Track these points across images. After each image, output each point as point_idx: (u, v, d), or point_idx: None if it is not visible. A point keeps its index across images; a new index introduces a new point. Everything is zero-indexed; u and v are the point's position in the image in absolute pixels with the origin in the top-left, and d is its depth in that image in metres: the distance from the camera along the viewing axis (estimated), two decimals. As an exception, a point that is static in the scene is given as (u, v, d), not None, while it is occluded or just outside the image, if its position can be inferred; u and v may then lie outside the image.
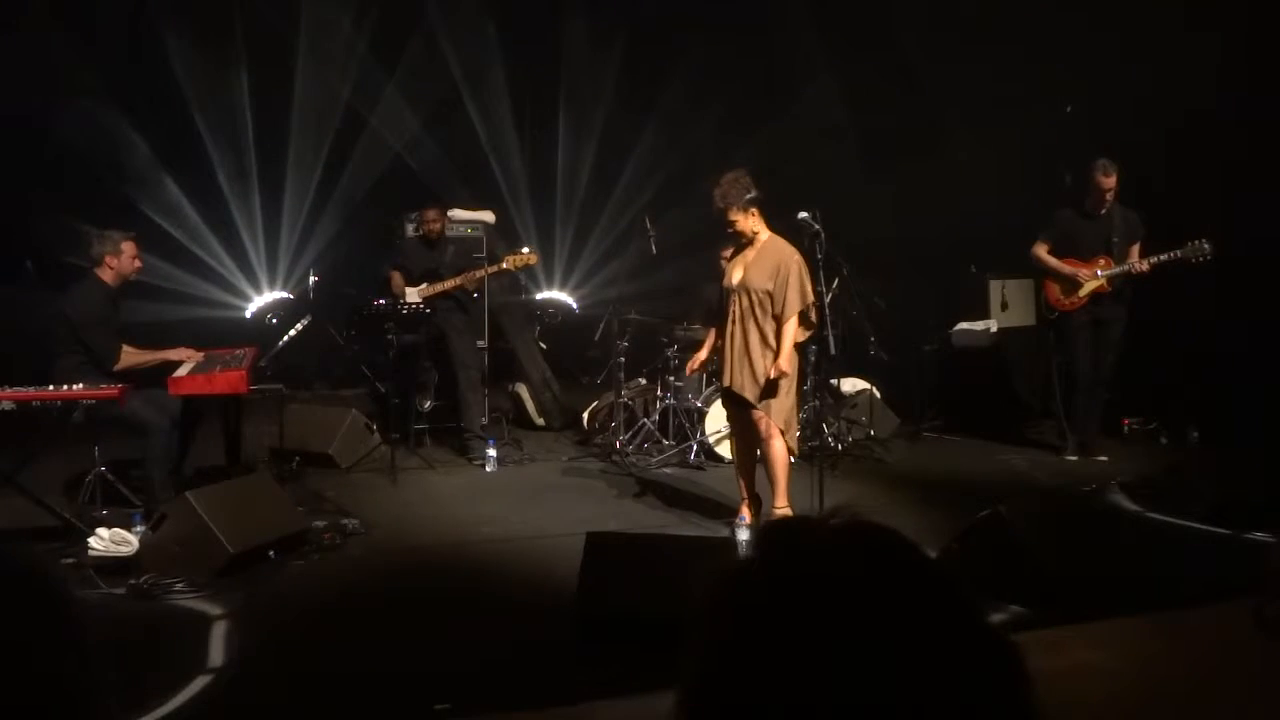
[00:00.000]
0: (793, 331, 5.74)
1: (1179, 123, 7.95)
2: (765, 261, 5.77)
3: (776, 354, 5.73)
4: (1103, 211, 7.54)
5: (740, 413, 5.94)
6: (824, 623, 0.82)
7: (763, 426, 5.78)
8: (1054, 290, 7.78)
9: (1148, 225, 7.56)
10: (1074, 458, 7.71)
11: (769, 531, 0.93)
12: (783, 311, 5.72)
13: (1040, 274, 8.01)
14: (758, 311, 5.74)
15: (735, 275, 5.86)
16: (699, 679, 0.86)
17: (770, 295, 5.72)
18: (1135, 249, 7.53)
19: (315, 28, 11.26)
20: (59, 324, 6.16)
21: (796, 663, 0.81)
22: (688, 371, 6.45)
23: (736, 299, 5.81)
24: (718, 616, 0.87)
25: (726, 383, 5.88)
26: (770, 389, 5.73)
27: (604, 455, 8.05)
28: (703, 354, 6.22)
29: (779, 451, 5.81)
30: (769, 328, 5.74)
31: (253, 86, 11.22)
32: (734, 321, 5.81)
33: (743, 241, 5.87)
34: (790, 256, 5.75)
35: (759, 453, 5.98)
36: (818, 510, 5.55)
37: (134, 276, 6.50)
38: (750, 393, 5.75)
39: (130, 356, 6.33)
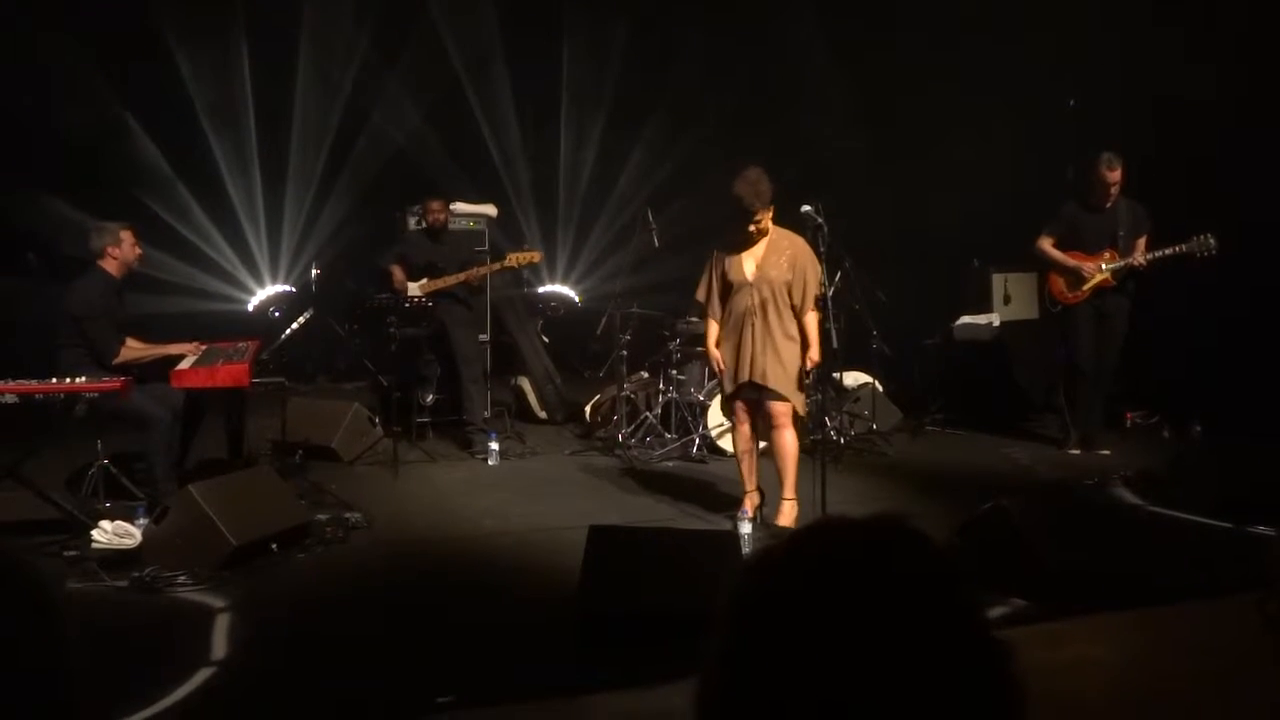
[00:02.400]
0: (815, 320, 5.80)
1: (1183, 116, 7.94)
2: (779, 253, 5.77)
3: (803, 343, 5.78)
4: (1108, 205, 7.52)
5: (758, 404, 5.89)
6: (832, 617, 0.84)
7: (783, 417, 5.79)
8: (1058, 283, 7.77)
9: (1154, 218, 7.54)
10: (1076, 451, 7.71)
11: (806, 532, 0.94)
12: (803, 301, 5.76)
13: (1044, 267, 8.00)
14: (779, 302, 5.75)
15: (748, 268, 5.82)
16: (722, 671, 0.87)
17: (789, 286, 5.74)
18: (1141, 243, 7.52)
19: (317, 21, 11.25)
20: (62, 317, 6.16)
21: (804, 654, 0.82)
22: (720, 371, 6.17)
23: (754, 292, 5.77)
24: (737, 604, 0.89)
25: (746, 376, 5.79)
26: (794, 379, 5.76)
27: (606, 449, 8.05)
28: (717, 351, 6.00)
29: (793, 442, 5.84)
30: (789, 317, 5.76)
31: (255, 80, 11.22)
32: (753, 314, 5.76)
33: (753, 236, 5.84)
34: (803, 246, 5.80)
35: (763, 444, 6.00)
36: (818, 504, 5.59)
37: (136, 265, 6.50)
38: (778, 383, 5.73)
39: (132, 350, 6.33)
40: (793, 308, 5.77)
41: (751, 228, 5.76)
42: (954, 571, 0.89)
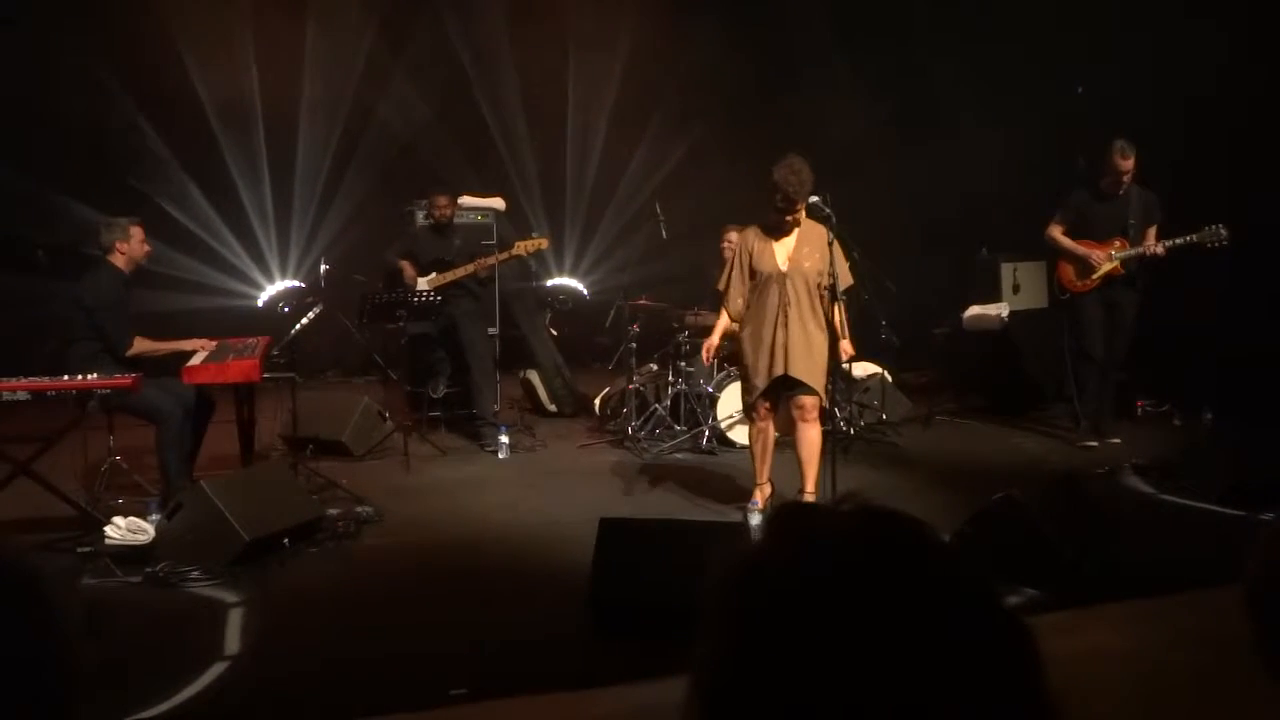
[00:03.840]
0: (842, 311, 5.79)
1: (1195, 101, 7.90)
2: (811, 244, 5.67)
3: (834, 336, 5.74)
4: (1120, 193, 7.46)
5: (788, 398, 5.81)
6: (834, 612, 0.81)
7: (813, 411, 5.74)
8: (1068, 271, 7.71)
9: (1165, 208, 7.49)
10: (1087, 440, 7.66)
11: (780, 517, 0.92)
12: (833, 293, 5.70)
13: (1053, 255, 7.95)
14: (811, 294, 5.67)
15: (780, 259, 5.73)
16: (711, 667, 0.85)
17: (821, 277, 5.64)
18: (1152, 232, 7.46)
19: (324, 15, 11.24)
20: (73, 311, 6.20)
21: (807, 652, 0.80)
22: (705, 360, 6.26)
23: (787, 283, 5.68)
24: (728, 604, 0.86)
25: (781, 370, 5.68)
26: (824, 372, 5.69)
27: (616, 441, 8.06)
28: (715, 339, 6.04)
29: (819, 437, 5.78)
30: (819, 309, 5.67)
31: (262, 74, 11.21)
32: (786, 306, 5.66)
33: (788, 225, 5.74)
34: (830, 238, 5.73)
35: (774, 436, 5.99)
36: (830, 496, 5.58)
37: (144, 261, 6.53)
38: (811, 377, 5.65)
39: (143, 344, 6.36)
40: (822, 298, 5.69)
41: (789, 217, 5.68)
42: (950, 552, 0.87)
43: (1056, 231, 7.69)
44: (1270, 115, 7.62)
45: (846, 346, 5.80)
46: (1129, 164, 7.30)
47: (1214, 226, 7.18)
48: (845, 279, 5.82)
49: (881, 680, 0.78)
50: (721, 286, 5.98)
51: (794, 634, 0.81)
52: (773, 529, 0.90)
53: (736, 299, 5.88)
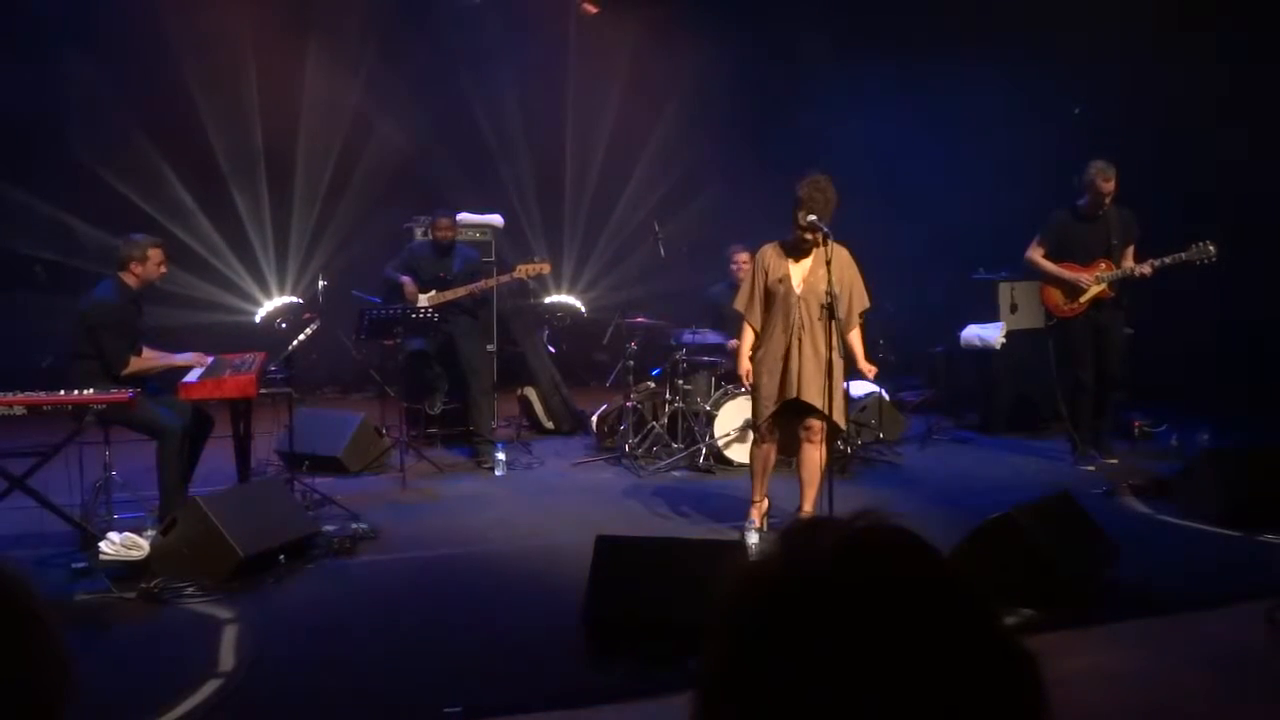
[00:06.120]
0: (858, 335, 5.79)
1: (1189, 122, 7.93)
2: (825, 266, 5.58)
3: (849, 358, 5.75)
4: (1100, 213, 7.43)
5: (799, 421, 5.78)
6: (831, 624, 0.81)
7: (819, 433, 5.71)
8: (1054, 296, 7.60)
9: (1142, 225, 7.46)
10: (1084, 465, 7.61)
11: (788, 531, 0.92)
12: (849, 315, 5.69)
13: (1039, 279, 7.87)
14: (823, 316, 5.59)
15: (794, 279, 5.71)
16: (717, 678, 0.85)
17: (835, 299, 5.51)
18: (1130, 250, 7.44)
19: (323, 31, 11.27)
20: (76, 324, 6.17)
21: (805, 665, 0.80)
22: (746, 381, 6.08)
23: (801, 304, 5.66)
24: (731, 616, 0.86)
25: (794, 393, 5.66)
26: (830, 395, 5.58)
27: (613, 459, 8.05)
28: (745, 361, 5.91)
29: (822, 459, 5.75)
30: (834, 331, 5.57)
31: (262, 90, 11.24)
32: (800, 329, 5.65)
33: (806, 245, 5.70)
34: (848, 259, 5.70)
35: (775, 459, 5.98)
36: (830, 513, 5.57)
37: (158, 282, 6.51)
38: (822, 401, 5.59)
39: (141, 363, 6.34)
40: (835, 321, 5.55)
41: (808, 236, 5.63)
42: (954, 571, 0.87)
43: (1037, 255, 7.60)
44: (1272, 128, 7.65)
45: (865, 368, 5.89)
46: (1111, 185, 7.25)
47: (1202, 243, 7.15)
48: (861, 300, 5.83)
49: (878, 695, 0.78)
50: (741, 307, 5.93)
51: (792, 646, 0.81)
52: (778, 542, 0.91)
53: (757, 314, 5.85)
